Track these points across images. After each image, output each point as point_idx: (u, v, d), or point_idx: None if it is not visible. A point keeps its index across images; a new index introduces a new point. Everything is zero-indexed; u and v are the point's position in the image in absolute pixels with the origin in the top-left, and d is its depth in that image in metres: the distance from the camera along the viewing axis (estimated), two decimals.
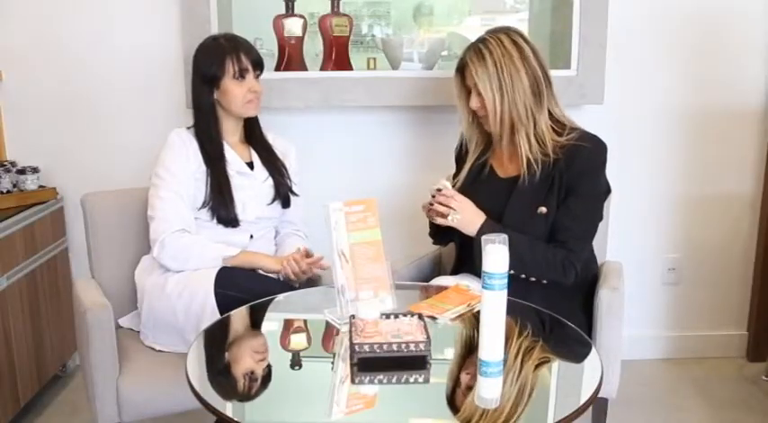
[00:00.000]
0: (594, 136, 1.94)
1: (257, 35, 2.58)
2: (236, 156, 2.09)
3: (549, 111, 1.93)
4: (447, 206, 1.89)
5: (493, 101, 1.89)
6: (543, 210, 1.90)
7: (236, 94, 2.02)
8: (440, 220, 1.92)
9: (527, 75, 1.88)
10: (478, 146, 2.05)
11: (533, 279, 1.88)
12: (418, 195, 2.03)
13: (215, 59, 2.02)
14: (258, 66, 2.06)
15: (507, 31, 1.92)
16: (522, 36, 1.91)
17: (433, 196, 1.92)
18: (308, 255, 1.99)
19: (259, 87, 2.06)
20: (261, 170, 2.13)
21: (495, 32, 1.92)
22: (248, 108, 2.06)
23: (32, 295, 2.41)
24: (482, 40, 1.92)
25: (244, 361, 1.59)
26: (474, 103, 1.94)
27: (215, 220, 2.03)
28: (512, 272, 1.50)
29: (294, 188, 2.18)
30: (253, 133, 2.16)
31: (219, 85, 2.02)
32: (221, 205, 2.02)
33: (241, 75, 2.02)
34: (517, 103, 1.89)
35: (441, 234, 2.09)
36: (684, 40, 2.65)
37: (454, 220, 1.89)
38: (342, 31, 2.59)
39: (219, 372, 1.54)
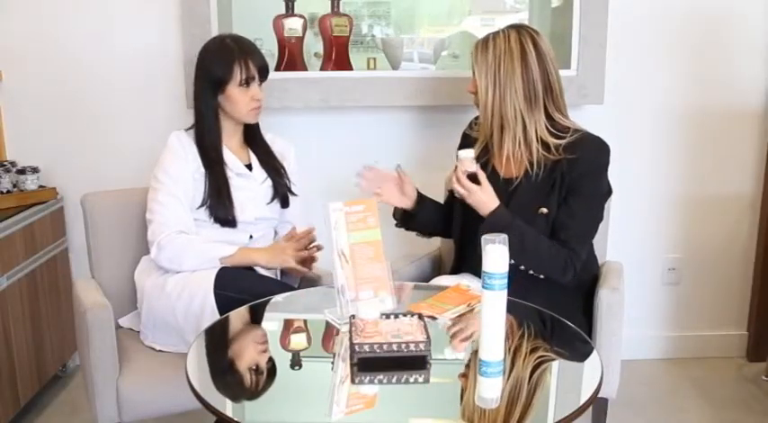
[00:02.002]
0: (597, 137, 1.94)
1: (257, 35, 2.57)
2: (234, 158, 2.09)
3: (549, 115, 1.93)
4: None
5: (485, 91, 1.91)
6: (544, 210, 1.90)
7: (240, 101, 2.02)
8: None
9: (522, 78, 1.88)
10: (481, 142, 2.05)
11: (531, 272, 1.88)
12: None
13: (223, 63, 2.00)
14: (264, 73, 2.04)
15: (520, 28, 1.93)
16: (532, 38, 1.90)
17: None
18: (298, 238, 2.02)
19: (261, 95, 2.05)
20: (259, 172, 2.13)
21: (510, 27, 1.93)
22: (251, 115, 2.06)
23: (32, 295, 2.41)
24: (495, 32, 1.94)
25: (244, 361, 1.59)
26: (470, 85, 1.98)
27: (212, 220, 2.03)
28: (512, 261, 1.54)
29: (293, 188, 2.18)
30: (252, 135, 2.15)
31: (225, 90, 2.01)
32: (219, 206, 2.02)
33: (247, 82, 2.01)
34: (506, 102, 1.89)
35: (404, 220, 2.14)
36: (684, 40, 2.65)
37: (461, 195, 1.93)
38: (342, 31, 2.59)
39: (219, 372, 1.54)
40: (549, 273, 1.90)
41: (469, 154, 1.93)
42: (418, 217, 2.11)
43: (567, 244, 1.89)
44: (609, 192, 2.01)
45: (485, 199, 1.90)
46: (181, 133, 2.08)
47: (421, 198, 2.12)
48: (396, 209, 2.14)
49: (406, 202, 2.10)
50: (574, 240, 1.90)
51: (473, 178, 1.91)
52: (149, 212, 2.01)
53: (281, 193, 2.14)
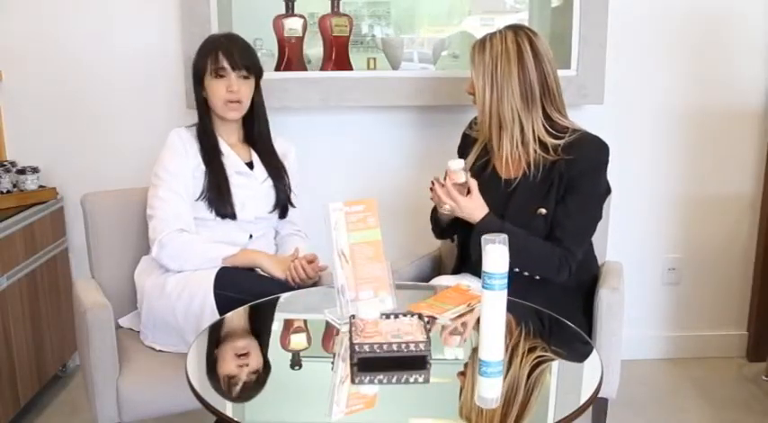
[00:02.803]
0: (596, 137, 1.94)
1: (257, 35, 2.58)
2: (234, 155, 2.09)
3: (548, 116, 1.93)
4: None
5: (483, 92, 1.91)
6: (543, 211, 1.90)
7: (215, 91, 2.01)
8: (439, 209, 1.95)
9: (519, 79, 1.88)
10: (481, 142, 2.05)
11: (526, 273, 1.88)
12: (418, 195, 2.04)
13: (200, 56, 2.04)
14: (237, 66, 2.00)
15: (518, 29, 1.93)
16: (529, 38, 1.90)
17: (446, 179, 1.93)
18: (309, 261, 1.99)
19: (238, 88, 2.00)
20: (260, 170, 2.13)
21: (507, 28, 1.94)
22: (226, 109, 2.03)
23: (32, 295, 2.41)
24: (492, 33, 1.94)
25: (244, 361, 1.59)
26: (468, 86, 1.99)
27: (213, 213, 2.03)
28: None
29: (294, 189, 2.18)
30: (253, 133, 2.15)
31: (203, 83, 2.03)
32: (219, 199, 2.02)
33: (216, 73, 2.01)
34: (503, 103, 1.89)
35: (443, 229, 2.11)
36: (684, 40, 2.65)
37: (444, 209, 1.92)
38: (342, 31, 2.59)
39: (219, 372, 1.54)
40: (544, 273, 1.90)
41: (459, 164, 1.91)
42: (453, 227, 2.09)
43: (561, 243, 1.89)
44: (607, 191, 2.01)
45: (472, 208, 1.89)
46: (181, 130, 2.08)
47: None
48: (440, 218, 2.09)
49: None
50: (569, 239, 1.90)
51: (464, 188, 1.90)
52: (150, 208, 2.01)
53: (281, 202, 2.14)
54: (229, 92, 2.01)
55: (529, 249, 1.87)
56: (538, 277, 1.90)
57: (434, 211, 2.07)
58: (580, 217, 1.92)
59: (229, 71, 2.00)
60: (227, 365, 1.57)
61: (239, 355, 1.62)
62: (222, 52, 2.00)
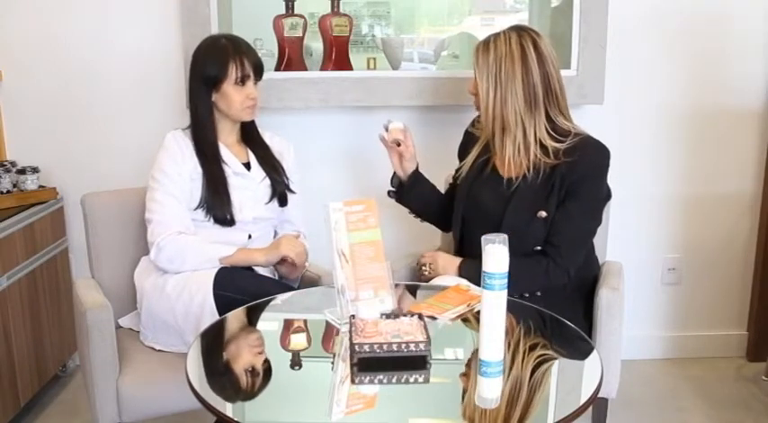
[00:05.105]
0: (597, 141, 1.93)
1: (257, 35, 2.58)
2: (232, 156, 2.09)
3: (550, 118, 1.92)
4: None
5: (486, 94, 1.91)
6: (543, 214, 1.90)
7: (235, 99, 2.02)
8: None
9: (522, 81, 1.87)
10: (482, 141, 2.05)
11: (527, 295, 1.89)
12: None
13: (217, 61, 2.00)
14: (259, 72, 2.05)
15: (521, 30, 1.92)
16: (533, 40, 1.89)
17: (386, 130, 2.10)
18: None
19: (256, 94, 2.04)
20: (258, 170, 2.12)
21: (510, 29, 1.93)
22: (245, 113, 2.05)
23: (32, 295, 2.41)
24: (496, 33, 1.93)
25: (243, 361, 1.59)
26: (471, 86, 1.99)
27: (211, 221, 2.03)
28: None
29: (292, 186, 2.18)
30: (250, 133, 2.15)
31: (219, 88, 2.02)
32: (217, 205, 2.02)
33: (242, 81, 2.01)
34: (507, 105, 1.89)
35: (398, 191, 2.19)
36: (684, 40, 2.65)
37: (427, 272, 2.01)
38: (342, 31, 2.59)
39: (219, 372, 1.54)
40: (537, 286, 1.90)
41: (399, 124, 2.09)
42: (409, 192, 2.16)
43: (557, 248, 1.89)
44: (608, 196, 2.00)
45: (448, 262, 1.98)
46: (177, 132, 2.08)
47: (417, 175, 2.16)
48: (393, 177, 2.18)
49: (400, 173, 2.15)
50: (566, 243, 1.90)
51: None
52: (148, 212, 2.01)
53: (279, 191, 2.14)
54: (250, 98, 2.03)
55: (515, 273, 1.86)
56: (539, 293, 1.90)
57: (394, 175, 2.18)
58: (580, 221, 1.92)
59: (252, 77, 2.02)
60: (227, 365, 1.57)
61: (239, 355, 1.62)
62: (246, 59, 2.01)
